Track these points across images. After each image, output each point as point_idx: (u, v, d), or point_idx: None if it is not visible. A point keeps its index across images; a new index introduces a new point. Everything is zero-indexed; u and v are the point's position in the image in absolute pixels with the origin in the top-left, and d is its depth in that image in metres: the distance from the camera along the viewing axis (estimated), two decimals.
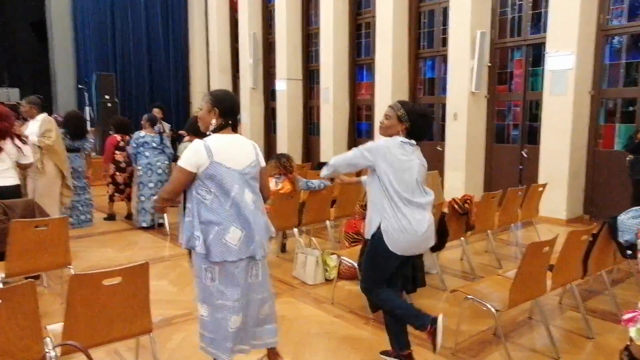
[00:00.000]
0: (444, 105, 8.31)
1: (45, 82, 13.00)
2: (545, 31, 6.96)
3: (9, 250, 3.34)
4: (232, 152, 2.48)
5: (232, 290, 2.47)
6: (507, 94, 7.89)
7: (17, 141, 4.07)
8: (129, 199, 6.80)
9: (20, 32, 14.72)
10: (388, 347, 3.04)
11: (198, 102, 13.67)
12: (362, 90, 10.20)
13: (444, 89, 8.44)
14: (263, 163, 2.70)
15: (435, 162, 8.33)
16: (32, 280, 2.22)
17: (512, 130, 7.87)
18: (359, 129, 10.25)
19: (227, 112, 2.51)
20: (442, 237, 4.28)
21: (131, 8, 12.89)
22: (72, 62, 12.69)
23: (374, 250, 2.74)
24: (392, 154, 2.66)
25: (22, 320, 2.14)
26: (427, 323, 2.70)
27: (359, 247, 3.74)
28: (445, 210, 4.35)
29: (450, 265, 4.91)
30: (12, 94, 10.90)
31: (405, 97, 8.94)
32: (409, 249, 2.73)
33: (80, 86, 12.07)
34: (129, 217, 6.79)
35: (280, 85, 11.12)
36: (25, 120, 5.35)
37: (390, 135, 2.77)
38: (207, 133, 2.52)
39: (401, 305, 2.81)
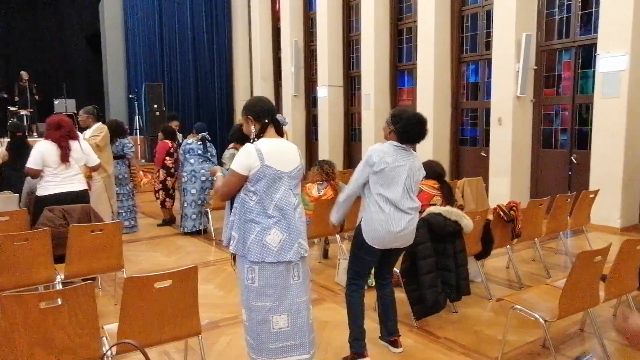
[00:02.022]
0: (487, 110, 8.14)
1: (99, 93, 13.66)
2: (595, 32, 6.71)
3: (68, 254, 3.54)
4: (281, 155, 2.55)
5: (271, 290, 2.52)
6: (555, 98, 7.64)
7: (82, 144, 4.30)
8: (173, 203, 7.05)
9: (76, 46, 15.60)
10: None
11: (241, 110, 13.95)
12: (404, 95, 10.14)
13: (487, 94, 8.27)
14: (304, 167, 2.80)
15: (479, 168, 8.19)
16: (91, 282, 2.36)
17: (561, 135, 7.60)
18: None
19: (259, 114, 2.59)
20: (487, 244, 4.21)
21: (178, 20, 13.36)
22: (123, 73, 13.28)
23: (355, 242, 2.98)
24: (384, 155, 2.85)
25: (81, 320, 2.28)
26: (354, 350, 2.99)
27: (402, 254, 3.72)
28: (490, 217, 4.27)
29: (495, 274, 4.80)
30: (69, 105, 11.51)
31: (447, 102, 8.83)
32: (384, 244, 2.91)
33: (130, 96, 12.60)
34: (171, 221, 7.02)
35: (322, 92, 11.21)
36: (82, 130, 5.65)
37: (386, 138, 3.01)
38: (252, 139, 2.60)
39: (356, 319, 3.02)
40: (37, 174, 4.15)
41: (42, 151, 4.11)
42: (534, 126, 7.77)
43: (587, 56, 7.13)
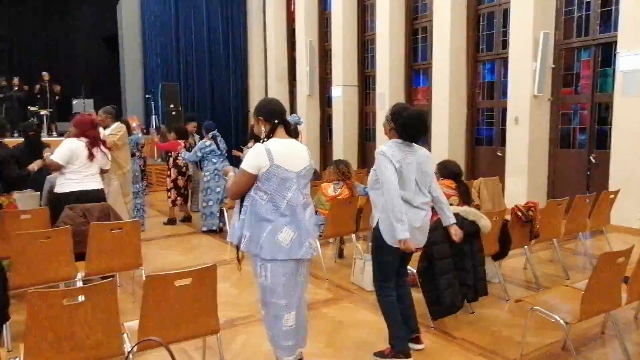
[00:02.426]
0: (504, 110, 8.06)
1: (116, 93, 13.85)
2: (616, 30, 6.60)
3: (89, 252, 3.59)
4: (290, 155, 2.60)
5: (281, 289, 2.59)
6: (573, 97, 7.53)
7: (103, 148, 4.38)
8: (185, 202, 7.11)
9: (94, 46, 15.85)
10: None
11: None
12: (419, 95, 10.09)
13: (504, 93, 8.19)
14: (313, 167, 2.82)
15: (495, 167, 8.11)
16: (112, 279, 2.40)
17: (579, 135, 7.49)
18: None
19: (270, 115, 2.64)
20: (504, 245, 4.18)
21: (194, 21, 13.48)
22: (140, 73, 13.44)
23: (376, 246, 2.96)
24: (392, 156, 2.84)
25: (103, 316, 2.31)
26: (400, 350, 2.96)
27: (417, 254, 3.71)
28: (508, 217, 4.23)
29: (512, 275, 4.75)
30: (87, 105, 11.68)
31: (463, 101, 8.76)
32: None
33: (147, 96, 12.75)
34: (186, 220, 7.09)
35: (336, 91, 11.21)
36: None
37: (387, 135, 3.03)
38: (262, 140, 2.65)
39: (394, 318, 3.00)
40: (58, 169, 4.20)
41: (72, 149, 4.16)
42: (552, 125, 7.68)
43: (606, 54, 7.02)
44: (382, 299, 3.04)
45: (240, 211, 2.67)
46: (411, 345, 3.15)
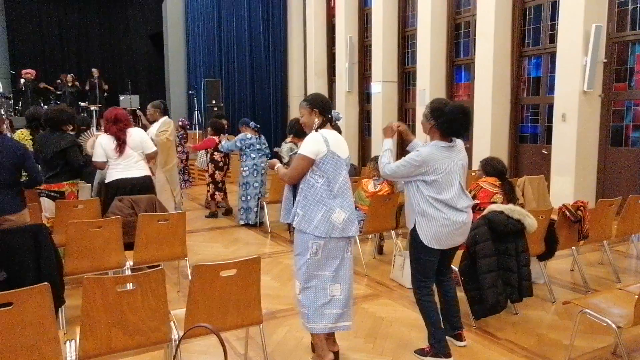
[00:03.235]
0: (550, 106, 7.79)
1: (161, 89, 14.27)
2: None
3: (137, 241, 3.73)
4: (340, 143, 2.83)
5: (332, 262, 2.80)
6: (626, 93, 7.19)
7: (136, 130, 4.50)
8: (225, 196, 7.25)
9: (141, 44, 16.37)
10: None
11: (295, 106, 14.14)
12: (460, 91, 9.88)
13: (550, 89, 7.91)
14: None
15: (540, 165, 7.86)
16: (161, 268, 2.48)
17: (632, 132, 7.15)
18: None
19: (324, 109, 2.85)
20: (551, 245, 4.05)
21: (236, 19, 13.69)
22: (184, 70, 13.77)
23: (414, 247, 2.97)
24: (435, 162, 2.81)
25: (153, 304, 2.40)
26: (439, 353, 2.94)
27: (460, 252, 3.65)
28: (555, 216, 4.09)
29: (559, 276, 4.60)
30: (133, 101, 12.09)
31: (506, 98, 8.53)
32: (443, 244, 2.90)
33: (190, 92, 13.06)
34: (227, 213, 7.23)
35: (376, 87, 11.13)
36: (151, 123, 5.94)
37: (426, 133, 2.98)
38: (315, 129, 2.82)
39: (434, 322, 2.98)
40: (103, 166, 4.43)
41: (102, 144, 4.36)
42: (602, 123, 7.36)
43: None
44: (421, 298, 3.02)
45: (294, 194, 2.86)
46: (454, 341, 3.14)
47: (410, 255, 3.05)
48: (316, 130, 2.80)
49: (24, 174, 3.80)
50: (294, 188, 2.87)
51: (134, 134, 4.47)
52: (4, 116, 8.80)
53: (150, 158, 4.73)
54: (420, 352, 3.06)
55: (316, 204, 2.74)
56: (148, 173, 4.56)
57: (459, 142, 2.96)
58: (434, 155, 2.83)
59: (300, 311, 2.87)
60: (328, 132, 2.80)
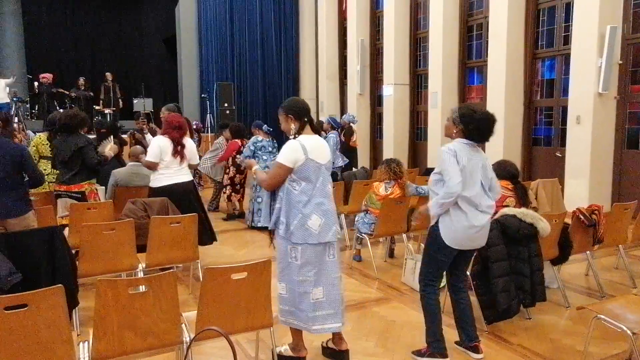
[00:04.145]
0: (564, 108, 7.70)
1: (174, 92, 14.40)
2: None
3: (149, 244, 3.76)
4: (318, 149, 2.85)
5: (311, 267, 2.83)
6: None
7: (188, 145, 4.64)
8: (242, 198, 7.28)
9: (154, 47, 16.54)
10: None
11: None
12: (473, 93, 9.82)
13: (564, 91, 7.82)
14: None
15: (554, 168, 7.77)
16: (173, 270, 2.50)
17: None
18: None
19: (299, 113, 2.86)
20: (564, 249, 4.01)
21: (248, 23, 13.79)
22: (197, 73, 13.89)
23: (432, 243, 2.95)
24: (460, 156, 2.81)
25: (164, 306, 2.42)
26: (436, 351, 2.96)
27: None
28: (569, 220, 4.04)
29: (572, 281, 4.54)
30: (147, 104, 12.22)
31: (519, 100, 8.46)
32: (462, 244, 2.89)
33: (203, 95, 13.17)
34: (241, 215, 7.25)
35: (387, 90, 11.12)
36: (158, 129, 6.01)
37: (450, 137, 2.96)
38: (293, 136, 2.88)
39: (434, 322, 2.99)
40: (155, 167, 4.52)
41: (160, 146, 4.48)
42: (617, 125, 7.26)
43: None
44: (426, 296, 3.03)
45: (272, 198, 2.93)
46: (470, 354, 3.08)
47: (426, 251, 3.04)
48: (294, 137, 2.83)
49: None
50: (272, 194, 2.92)
51: (189, 143, 4.67)
52: (16, 124, 8.96)
53: (194, 168, 4.93)
54: (417, 353, 3.08)
55: (293, 211, 2.79)
56: (191, 178, 4.76)
57: (481, 150, 3.01)
58: (458, 147, 2.86)
59: (279, 308, 2.93)
60: (307, 139, 2.81)
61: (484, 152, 3.08)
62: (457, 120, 2.91)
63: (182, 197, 4.42)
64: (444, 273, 3.14)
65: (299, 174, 2.78)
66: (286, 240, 2.83)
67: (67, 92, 12.04)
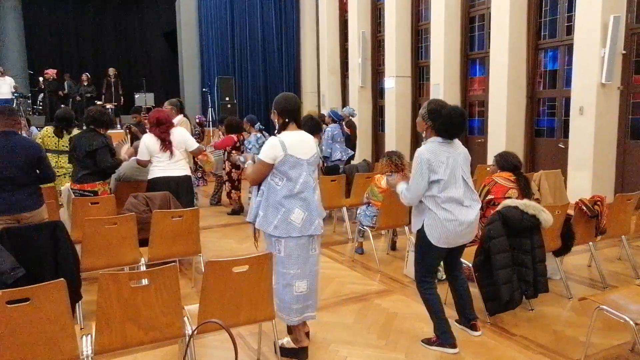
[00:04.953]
0: (567, 99, 7.66)
1: (175, 87, 14.38)
2: None
3: (151, 238, 3.77)
4: (300, 145, 2.91)
5: (294, 260, 2.89)
6: None
7: (178, 129, 4.72)
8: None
9: (154, 42, 16.50)
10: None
11: (308, 103, 14.14)
12: (475, 85, 9.78)
13: (567, 82, 7.77)
14: (320, 154, 3.22)
15: (557, 160, 7.74)
16: (175, 264, 2.51)
17: None
18: (470, 126, 9.83)
19: (283, 111, 2.94)
20: (567, 240, 4.00)
21: (248, 16, 13.73)
22: (198, 68, 13.86)
23: (421, 245, 3.02)
24: (436, 155, 2.88)
25: (166, 299, 2.42)
26: (444, 343, 3.03)
27: (474, 248, 3.62)
28: (571, 212, 4.03)
29: (575, 272, 4.54)
30: (148, 98, 12.21)
31: (522, 91, 8.41)
32: (451, 242, 2.96)
33: (204, 89, 13.14)
34: (242, 209, 7.26)
35: (389, 83, 11.07)
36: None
37: (422, 132, 3.04)
38: (275, 132, 2.99)
39: (438, 314, 3.05)
40: (145, 164, 4.69)
41: (146, 143, 4.60)
42: (621, 116, 7.22)
43: None
44: (424, 292, 3.09)
45: (257, 193, 2.99)
46: (469, 331, 3.21)
47: (416, 252, 3.13)
48: (277, 133, 2.95)
49: None
50: (258, 189, 3.00)
51: (176, 133, 4.70)
52: (21, 116, 8.96)
53: (195, 155, 5.02)
54: (427, 341, 3.14)
55: (276, 205, 2.85)
56: (188, 173, 4.81)
57: (455, 140, 3.02)
58: (433, 148, 2.92)
59: (274, 300, 2.94)
60: (287, 135, 2.90)
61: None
62: (426, 116, 2.96)
63: (174, 189, 4.50)
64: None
65: (280, 170, 2.86)
66: (270, 235, 2.90)
67: (62, 94, 11.97)
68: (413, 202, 2.97)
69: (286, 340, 3.04)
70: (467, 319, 3.23)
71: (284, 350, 2.99)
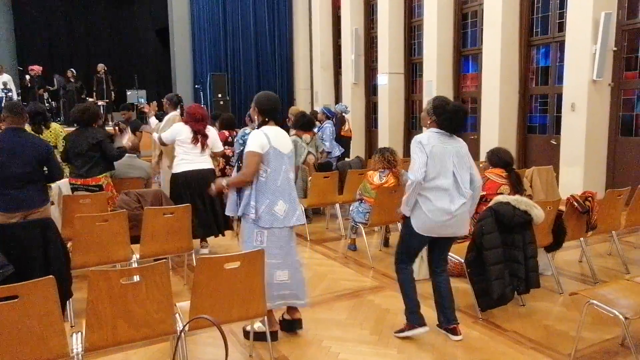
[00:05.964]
0: (559, 96, 7.70)
1: (168, 84, 14.27)
2: None
3: (143, 235, 3.74)
4: (280, 139, 3.07)
5: (276, 251, 3.01)
6: (637, 81, 7.08)
7: (210, 136, 4.84)
8: None
9: (147, 39, 16.37)
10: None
11: (302, 99, 14.11)
12: (468, 82, 9.80)
13: (559, 78, 7.81)
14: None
15: (549, 156, 7.79)
16: (165, 260, 2.49)
17: None
18: None
19: (264, 110, 3.08)
20: (558, 236, 4.02)
21: (241, 12, 13.65)
22: (190, 64, 13.75)
23: (405, 230, 3.12)
24: (426, 144, 2.96)
25: (157, 296, 2.41)
26: (414, 323, 3.14)
27: (466, 244, 3.63)
28: (563, 207, 4.05)
29: (566, 267, 4.57)
30: (140, 95, 12.12)
31: (514, 88, 8.44)
32: (434, 232, 3.02)
33: (196, 86, 13.06)
34: None
35: (382, 79, 11.07)
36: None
37: (426, 127, 3.12)
38: (256, 127, 3.12)
39: (409, 294, 3.17)
40: (163, 144, 4.93)
41: (177, 131, 4.69)
42: (612, 112, 7.27)
43: None
44: (400, 270, 3.20)
45: (239, 190, 3.09)
46: (449, 335, 3.16)
47: (400, 234, 3.23)
48: (258, 127, 3.07)
49: None
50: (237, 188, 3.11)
51: (211, 133, 4.87)
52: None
53: (218, 156, 5.23)
54: (399, 331, 3.21)
55: (261, 197, 2.98)
56: (212, 166, 4.96)
57: (459, 140, 3.11)
58: (430, 137, 3.01)
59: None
60: (269, 129, 3.04)
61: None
62: (431, 111, 3.06)
63: (200, 182, 4.53)
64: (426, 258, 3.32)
65: (264, 161, 2.97)
66: (254, 225, 3.00)
67: (42, 93, 11.78)
68: (418, 176, 2.92)
69: (257, 326, 3.09)
70: (448, 321, 3.16)
71: (256, 335, 3.05)
